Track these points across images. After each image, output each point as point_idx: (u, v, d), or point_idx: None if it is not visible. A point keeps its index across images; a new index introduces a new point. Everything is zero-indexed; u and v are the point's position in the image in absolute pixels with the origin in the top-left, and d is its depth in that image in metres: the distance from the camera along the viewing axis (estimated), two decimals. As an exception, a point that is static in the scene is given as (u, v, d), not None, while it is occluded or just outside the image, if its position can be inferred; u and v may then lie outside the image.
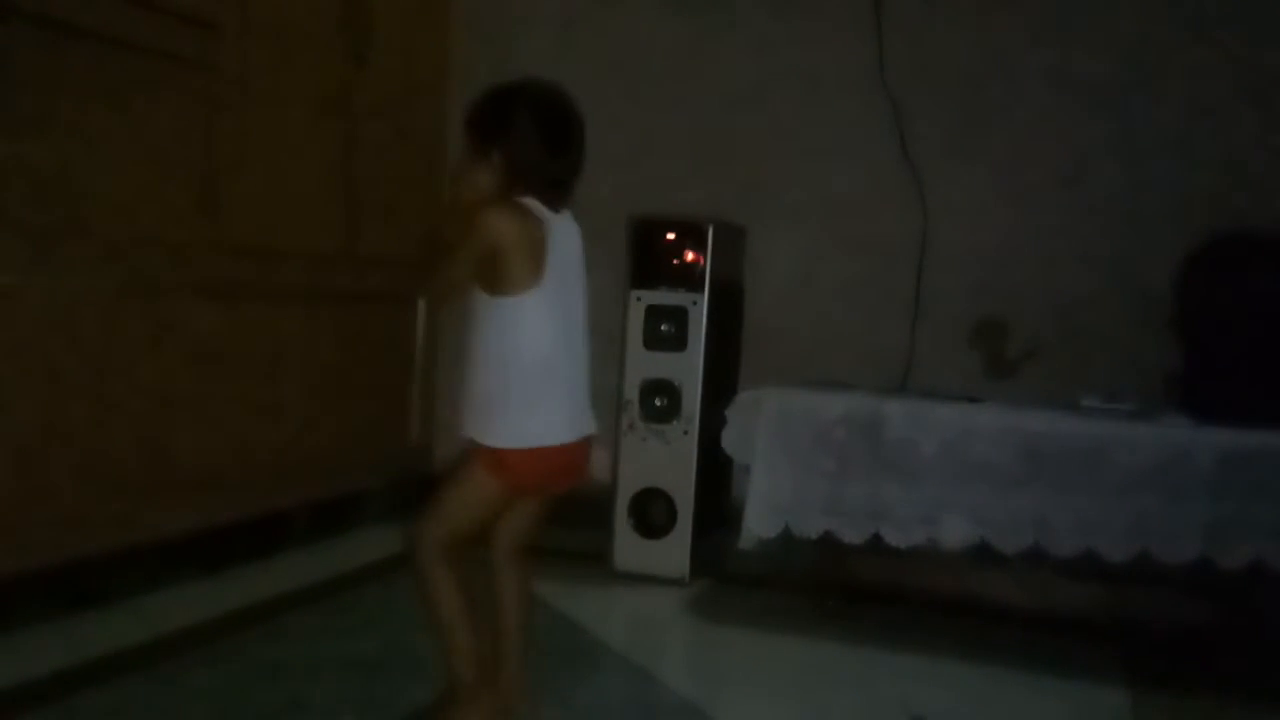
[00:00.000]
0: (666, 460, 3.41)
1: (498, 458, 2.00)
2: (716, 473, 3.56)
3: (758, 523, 3.02)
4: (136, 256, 2.90)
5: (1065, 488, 2.82)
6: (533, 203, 2.01)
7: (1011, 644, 3.05)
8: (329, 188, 3.65)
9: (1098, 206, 3.58)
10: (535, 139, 2.01)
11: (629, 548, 3.45)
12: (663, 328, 3.43)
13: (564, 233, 2.06)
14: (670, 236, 3.44)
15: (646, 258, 3.46)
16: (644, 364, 3.44)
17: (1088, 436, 2.83)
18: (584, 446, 2.10)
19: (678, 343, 3.42)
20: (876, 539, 2.97)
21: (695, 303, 3.41)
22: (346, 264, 3.75)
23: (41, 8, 2.57)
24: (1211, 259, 3.09)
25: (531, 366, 1.99)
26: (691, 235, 3.43)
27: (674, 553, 3.41)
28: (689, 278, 3.42)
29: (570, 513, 2.32)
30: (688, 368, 3.41)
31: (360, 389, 3.85)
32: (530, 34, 4.11)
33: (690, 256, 3.42)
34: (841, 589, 3.29)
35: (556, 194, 2.06)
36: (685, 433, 3.40)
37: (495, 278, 1.97)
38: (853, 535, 2.98)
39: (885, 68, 3.74)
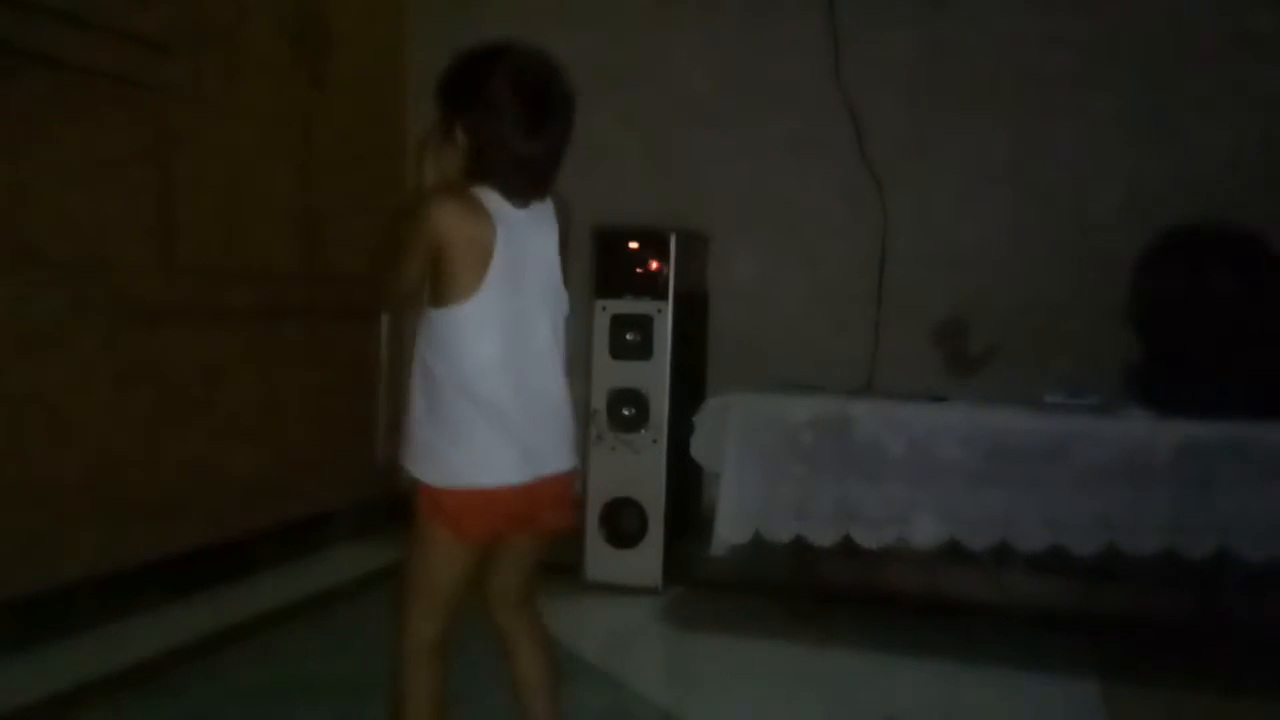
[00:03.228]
0: (636, 469, 3.41)
1: (434, 498, 1.68)
2: (686, 480, 3.56)
3: (729, 529, 3.03)
4: (93, 280, 2.86)
5: (1031, 483, 2.85)
6: (487, 193, 1.67)
7: (983, 640, 3.07)
8: (287, 206, 3.62)
9: (1055, 204, 3.62)
10: (507, 113, 1.64)
11: (600, 558, 3.45)
12: (628, 337, 3.43)
13: (526, 231, 1.70)
14: (633, 245, 3.44)
15: (610, 267, 3.47)
16: (610, 373, 3.43)
17: (1051, 433, 2.87)
18: (550, 487, 1.75)
19: (644, 351, 3.42)
20: (847, 540, 2.98)
21: (660, 311, 3.41)
22: (307, 282, 3.71)
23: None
24: (1165, 255, 3.14)
25: (468, 390, 1.66)
26: (654, 244, 3.43)
27: (646, 562, 3.41)
28: (653, 286, 3.42)
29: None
30: (655, 376, 3.42)
31: (324, 408, 3.81)
32: (487, 47, 4.09)
33: (654, 265, 3.43)
34: (814, 592, 3.30)
35: (526, 183, 1.69)
36: (654, 441, 3.41)
37: (435, 283, 1.66)
38: (823, 538, 3.00)
39: (841, 73, 3.77)
